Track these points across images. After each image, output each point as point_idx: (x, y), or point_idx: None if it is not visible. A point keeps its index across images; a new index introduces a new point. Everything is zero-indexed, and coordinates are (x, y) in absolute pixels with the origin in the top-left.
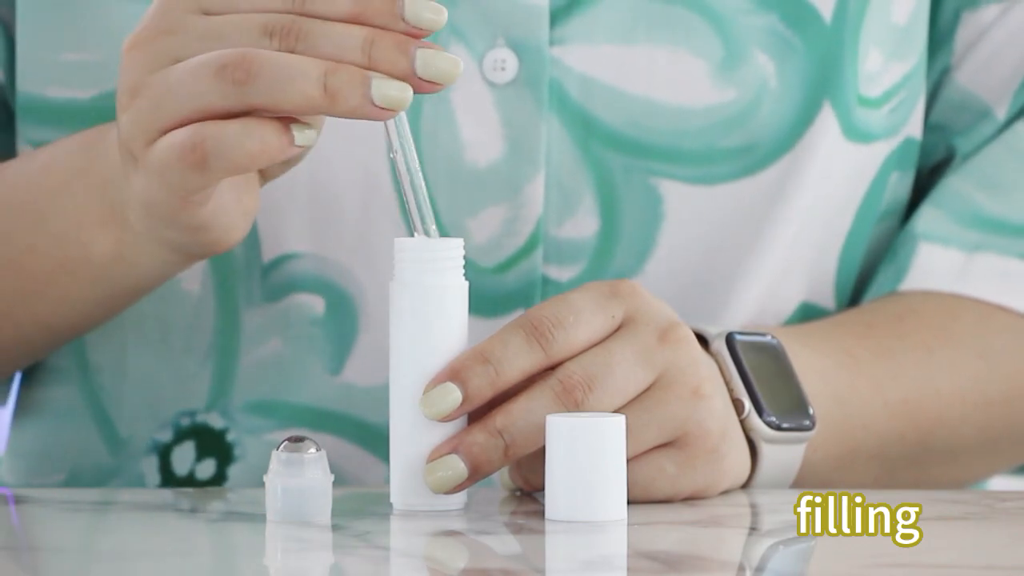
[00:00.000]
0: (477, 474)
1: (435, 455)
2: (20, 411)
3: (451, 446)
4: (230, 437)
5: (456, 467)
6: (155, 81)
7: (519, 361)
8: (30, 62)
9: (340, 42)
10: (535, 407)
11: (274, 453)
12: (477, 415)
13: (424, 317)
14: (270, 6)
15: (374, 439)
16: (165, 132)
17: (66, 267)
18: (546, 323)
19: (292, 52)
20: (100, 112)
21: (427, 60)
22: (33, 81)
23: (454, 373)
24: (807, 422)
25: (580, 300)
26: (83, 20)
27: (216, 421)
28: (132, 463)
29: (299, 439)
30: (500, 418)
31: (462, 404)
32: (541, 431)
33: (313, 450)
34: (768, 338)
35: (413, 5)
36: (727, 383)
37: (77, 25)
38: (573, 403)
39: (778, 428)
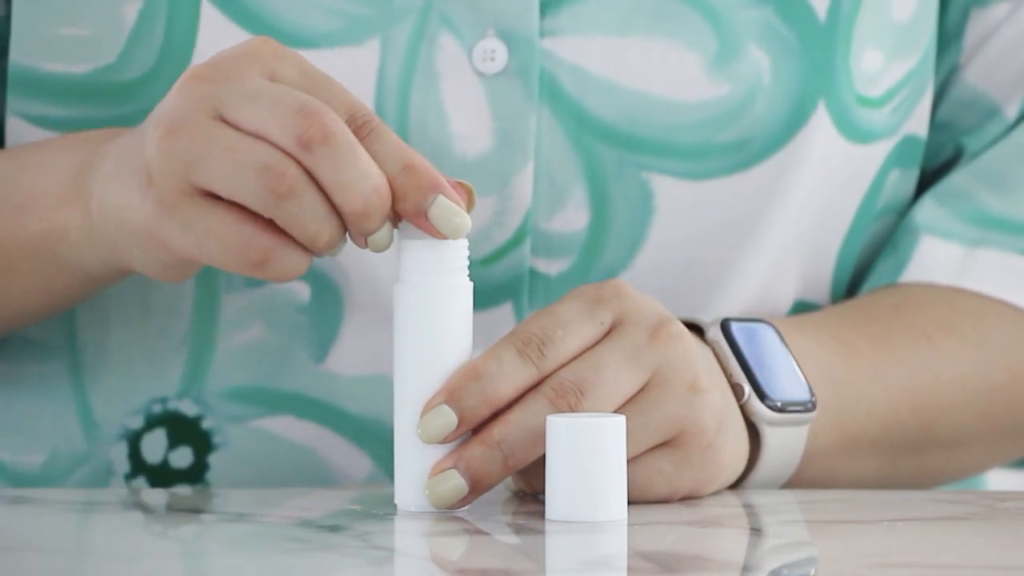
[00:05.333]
0: (478, 487)
1: (436, 470)
2: (5, 384)
3: (452, 461)
4: (206, 424)
5: (456, 482)
6: (196, 131)
7: (513, 378)
8: (28, 36)
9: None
10: (530, 415)
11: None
12: (475, 428)
13: (430, 318)
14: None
15: (357, 430)
16: (199, 191)
17: (15, 238)
18: (535, 339)
19: (317, 167)
20: (95, 87)
21: (443, 211)
22: (31, 55)
23: (449, 394)
24: (808, 403)
25: (567, 312)
26: None
27: (189, 408)
28: (102, 450)
29: None
30: (497, 429)
31: (459, 425)
32: (539, 439)
33: None
34: (763, 323)
35: (441, 209)
36: (725, 369)
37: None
38: (567, 408)
39: (780, 410)
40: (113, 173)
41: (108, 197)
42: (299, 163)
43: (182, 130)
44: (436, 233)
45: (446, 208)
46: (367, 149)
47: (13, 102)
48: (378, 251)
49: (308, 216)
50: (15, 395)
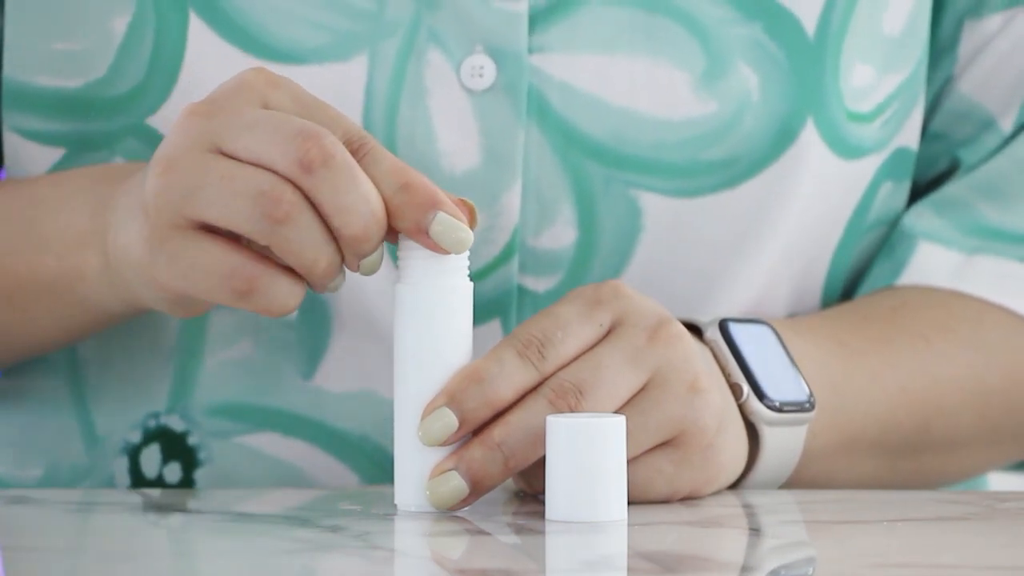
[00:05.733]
0: (479, 489)
1: (437, 471)
2: (4, 399)
3: (452, 462)
4: (192, 440)
5: (456, 483)
6: (193, 164)
7: (513, 380)
8: (21, 50)
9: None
10: (531, 417)
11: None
12: (476, 429)
13: (430, 318)
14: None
15: (345, 447)
16: (193, 224)
17: (34, 276)
18: (535, 341)
19: (317, 189)
20: (86, 101)
21: (444, 227)
22: (24, 69)
23: (450, 397)
24: (807, 404)
25: (567, 313)
26: (70, 9)
27: (176, 424)
28: (104, 463)
29: None
30: (498, 431)
31: (460, 427)
32: (540, 441)
33: None
34: (762, 324)
35: (442, 225)
36: (723, 369)
37: (65, 14)
38: (567, 409)
39: (778, 410)
40: (123, 212)
41: (117, 236)
42: (297, 187)
43: (179, 165)
44: (438, 248)
45: (447, 224)
46: (364, 171)
47: (8, 117)
48: (369, 274)
49: (305, 241)
50: (14, 409)
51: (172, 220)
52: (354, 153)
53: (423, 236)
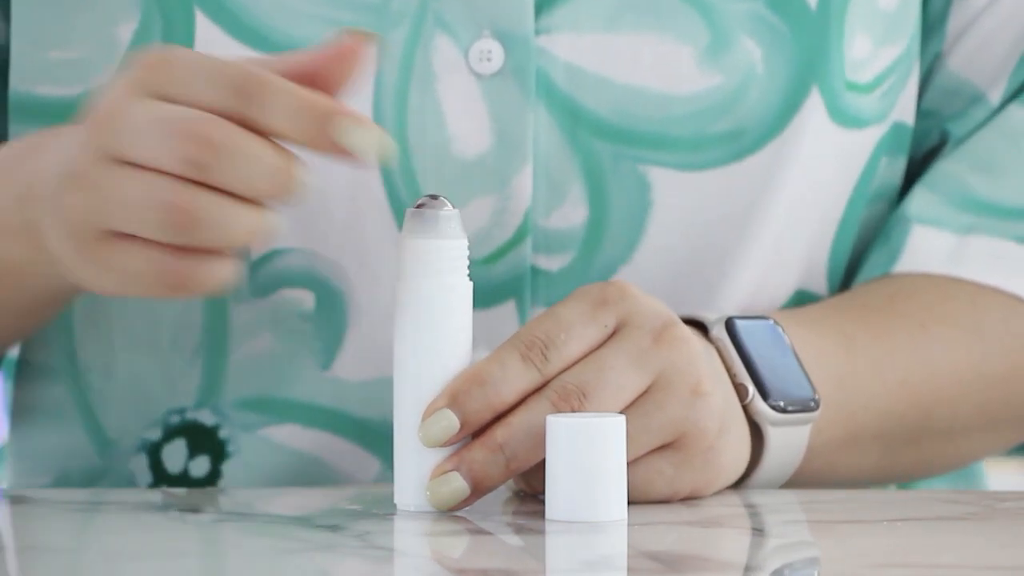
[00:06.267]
0: (480, 490)
1: (437, 472)
2: (15, 410)
3: (453, 463)
4: (223, 434)
5: (458, 484)
6: (97, 180)
7: (516, 383)
8: (23, 61)
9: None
10: (533, 418)
11: (408, 211)
12: (478, 429)
13: (430, 317)
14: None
15: (367, 435)
16: (114, 233)
17: None
18: (538, 343)
19: (216, 181)
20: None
21: (346, 133)
22: (24, 79)
23: (451, 398)
24: (812, 404)
25: (570, 314)
26: (67, 17)
27: (207, 418)
28: (121, 464)
29: (434, 196)
30: (500, 432)
31: (461, 429)
32: (542, 443)
33: (448, 207)
34: (768, 321)
35: (346, 135)
36: (729, 369)
37: (62, 22)
38: (570, 411)
39: (783, 411)
40: (46, 216)
41: (47, 240)
42: (199, 182)
43: (86, 180)
44: (351, 157)
45: (350, 130)
46: (260, 119)
47: (13, 128)
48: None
49: (220, 231)
50: (20, 419)
51: (93, 234)
52: (248, 102)
53: (341, 152)
